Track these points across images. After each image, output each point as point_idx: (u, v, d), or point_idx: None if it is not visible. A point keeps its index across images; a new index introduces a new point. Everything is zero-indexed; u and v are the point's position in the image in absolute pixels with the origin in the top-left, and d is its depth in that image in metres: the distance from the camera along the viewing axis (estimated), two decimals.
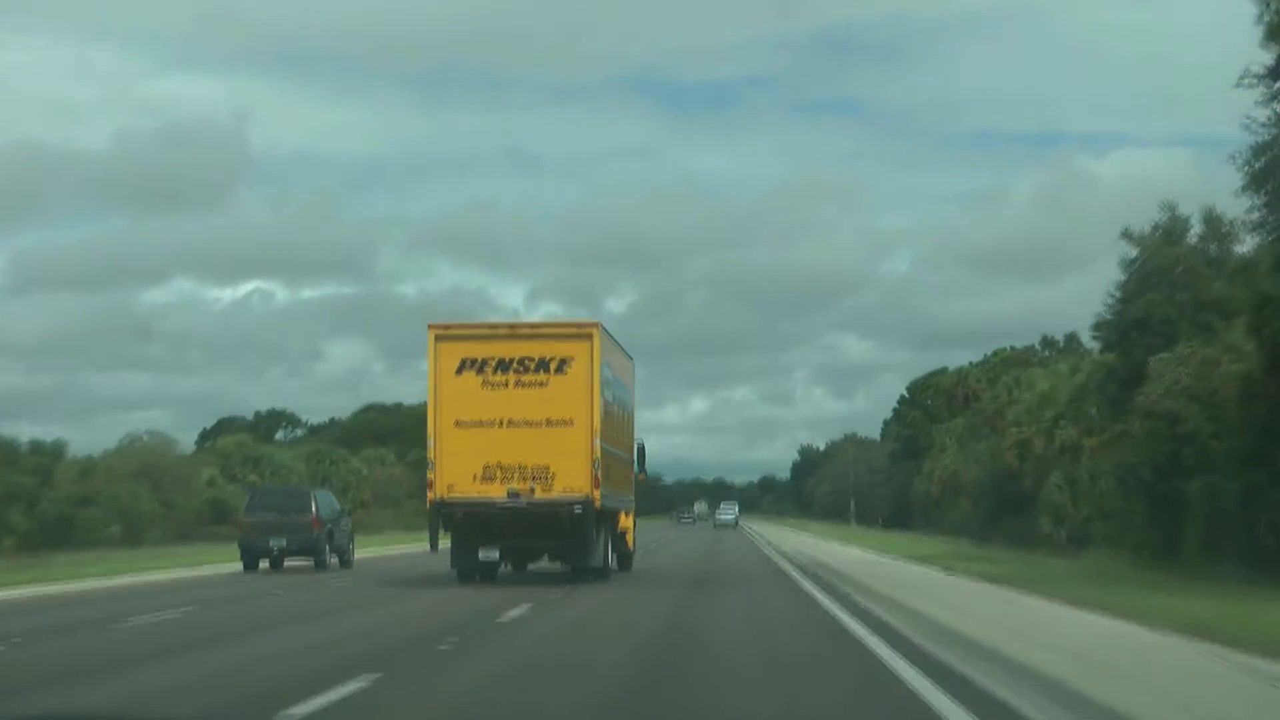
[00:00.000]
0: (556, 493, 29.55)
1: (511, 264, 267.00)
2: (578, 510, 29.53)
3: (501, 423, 29.65)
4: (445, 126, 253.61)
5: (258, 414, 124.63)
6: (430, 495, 29.93)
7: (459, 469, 29.57)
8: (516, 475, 29.57)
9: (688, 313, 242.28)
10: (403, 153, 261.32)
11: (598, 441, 29.71)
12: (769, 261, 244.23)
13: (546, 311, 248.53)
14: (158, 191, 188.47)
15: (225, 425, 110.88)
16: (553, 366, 29.83)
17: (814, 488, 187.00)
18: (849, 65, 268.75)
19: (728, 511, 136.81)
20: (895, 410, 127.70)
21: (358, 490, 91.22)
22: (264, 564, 40.34)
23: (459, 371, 29.84)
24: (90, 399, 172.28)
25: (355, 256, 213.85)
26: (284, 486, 54.37)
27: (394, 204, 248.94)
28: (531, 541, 30.66)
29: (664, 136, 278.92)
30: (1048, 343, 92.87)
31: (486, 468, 29.56)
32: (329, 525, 41.44)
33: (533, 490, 29.58)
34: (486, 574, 31.31)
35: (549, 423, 29.64)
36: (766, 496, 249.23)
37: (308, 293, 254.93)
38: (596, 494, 29.68)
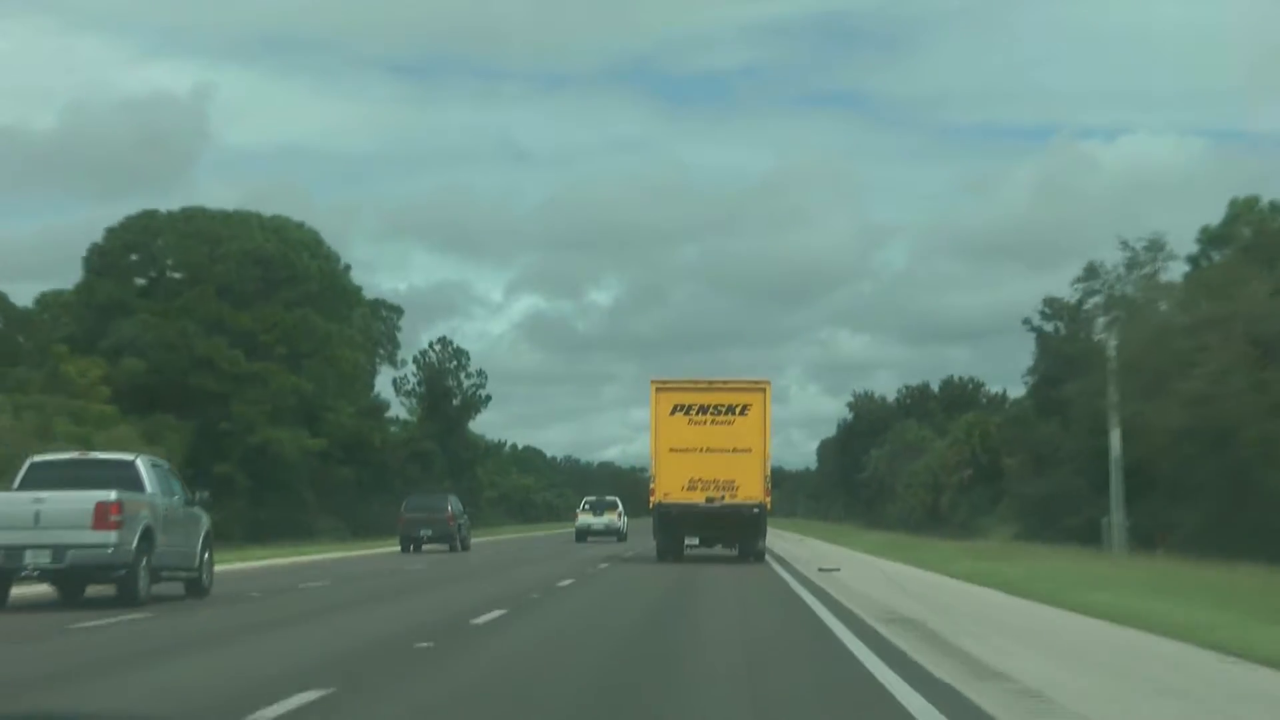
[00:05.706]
0: (740, 499, 42.11)
1: (497, 254, 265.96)
2: (755, 511, 42.21)
3: (701, 449, 42.22)
4: (433, 117, 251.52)
5: None
6: (652, 500, 42.75)
7: (672, 482, 42.25)
8: (712, 486, 42.14)
9: (679, 305, 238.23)
10: (387, 143, 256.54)
11: (769, 464, 42.42)
12: (762, 254, 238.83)
13: (529, 303, 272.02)
14: (128, 177, 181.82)
15: None
16: (738, 410, 42.44)
17: (885, 470, 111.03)
18: (845, 55, 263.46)
19: None
20: None
21: None
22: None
23: (672, 413, 42.53)
24: None
25: (336, 248, 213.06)
26: (430, 491, 68.15)
27: (377, 193, 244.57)
28: (720, 533, 43.37)
29: (656, 127, 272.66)
30: None
31: (691, 481, 42.21)
32: (458, 520, 56.59)
33: (723, 497, 42.18)
34: (677, 554, 43.91)
35: (735, 450, 42.19)
36: (773, 493, 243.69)
37: None
38: (768, 501, 42.47)
